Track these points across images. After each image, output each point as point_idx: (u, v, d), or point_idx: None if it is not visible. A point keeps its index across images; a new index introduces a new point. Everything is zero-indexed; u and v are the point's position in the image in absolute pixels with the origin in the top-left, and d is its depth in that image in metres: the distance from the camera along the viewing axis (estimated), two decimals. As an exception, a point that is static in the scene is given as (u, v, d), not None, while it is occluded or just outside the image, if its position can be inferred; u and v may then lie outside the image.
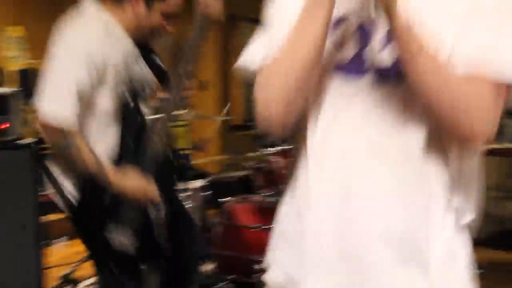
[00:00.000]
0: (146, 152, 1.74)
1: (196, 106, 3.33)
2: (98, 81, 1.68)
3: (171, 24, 1.81)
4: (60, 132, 1.65)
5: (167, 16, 1.79)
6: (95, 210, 1.75)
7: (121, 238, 1.73)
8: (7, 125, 2.24)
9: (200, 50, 1.75)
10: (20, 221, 2.19)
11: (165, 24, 1.80)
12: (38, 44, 6.62)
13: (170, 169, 1.85)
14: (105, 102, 1.72)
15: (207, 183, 3.16)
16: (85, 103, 1.68)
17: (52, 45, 1.68)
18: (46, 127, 1.66)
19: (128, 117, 1.75)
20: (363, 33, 0.91)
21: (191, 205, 2.91)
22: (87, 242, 1.80)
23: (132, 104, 1.75)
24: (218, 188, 3.42)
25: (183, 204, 2.05)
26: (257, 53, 1.02)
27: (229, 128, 5.81)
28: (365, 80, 0.91)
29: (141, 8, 1.75)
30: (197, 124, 4.63)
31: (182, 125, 3.66)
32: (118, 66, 1.72)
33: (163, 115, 1.76)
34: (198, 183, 3.09)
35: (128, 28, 1.77)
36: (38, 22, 6.92)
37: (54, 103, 1.65)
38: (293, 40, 0.89)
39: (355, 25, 0.91)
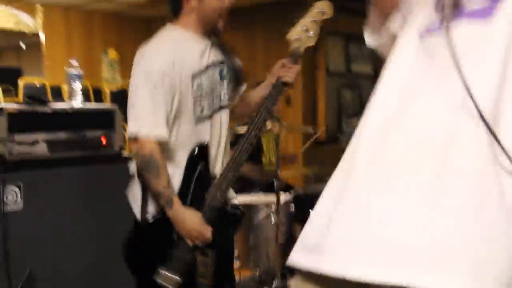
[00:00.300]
0: (205, 200, 1.80)
1: (283, 120, 3.37)
2: (173, 97, 1.76)
3: None
4: (144, 148, 1.73)
5: None
6: (153, 244, 1.81)
7: (166, 280, 1.78)
8: (110, 139, 2.40)
9: (274, 109, 1.86)
10: (121, 233, 2.33)
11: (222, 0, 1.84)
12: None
13: (225, 220, 1.86)
14: (183, 124, 1.80)
15: (293, 196, 3.17)
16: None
17: (133, 68, 1.80)
18: (137, 142, 1.75)
19: (192, 164, 1.82)
20: None
21: (276, 219, 2.94)
22: (136, 270, 1.86)
23: (196, 152, 1.82)
24: (304, 201, 3.42)
25: (231, 257, 2.05)
26: None
27: (315, 142, 5.80)
28: (491, 21, 0.90)
29: (195, 1, 1.81)
30: (284, 137, 4.67)
31: (270, 139, 3.72)
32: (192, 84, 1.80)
33: (230, 167, 1.81)
34: (284, 196, 3.11)
35: (196, 26, 1.84)
36: (134, 46, 7.35)
37: (140, 121, 1.75)
38: None
39: None
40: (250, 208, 3.02)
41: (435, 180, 0.84)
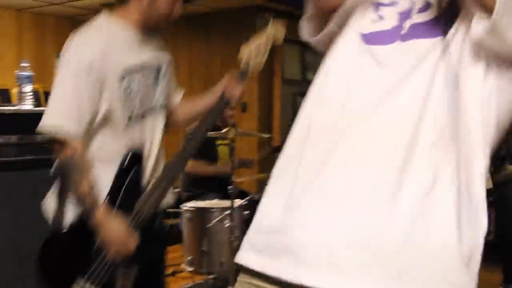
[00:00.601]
0: (133, 210, 1.70)
1: (238, 126, 3.39)
2: (100, 94, 1.66)
3: (179, 5, 1.77)
4: (66, 147, 1.62)
5: None
6: (74, 253, 1.70)
7: None
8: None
9: (213, 124, 1.85)
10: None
11: (173, 7, 1.76)
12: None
13: (151, 235, 1.76)
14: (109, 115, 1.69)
15: (247, 202, 3.19)
16: (90, 121, 1.66)
17: (59, 59, 1.68)
18: (54, 141, 1.64)
19: (124, 170, 1.72)
20: (408, 11, 0.96)
21: (230, 224, 2.95)
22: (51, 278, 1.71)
23: (130, 157, 1.72)
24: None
25: (160, 271, 1.95)
26: None
27: (270, 148, 5.84)
28: (394, 46, 0.96)
29: (145, 0, 1.72)
30: (239, 144, 4.69)
31: (225, 144, 3.73)
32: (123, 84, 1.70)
33: (163, 179, 1.74)
34: (238, 202, 3.12)
35: (137, 24, 1.76)
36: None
37: (60, 115, 1.64)
38: None
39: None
40: (203, 212, 3.02)
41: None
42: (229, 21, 6.26)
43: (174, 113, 1.98)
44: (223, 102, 1.86)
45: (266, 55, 1.88)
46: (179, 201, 3.19)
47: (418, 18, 0.97)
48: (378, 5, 1.02)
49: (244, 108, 6.09)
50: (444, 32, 0.93)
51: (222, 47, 6.30)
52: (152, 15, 1.75)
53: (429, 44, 0.94)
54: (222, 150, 3.76)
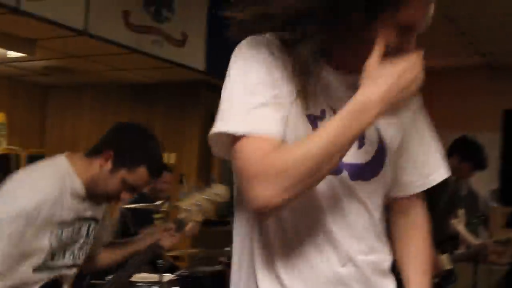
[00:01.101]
0: None
1: (174, 198, 3.36)
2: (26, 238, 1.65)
3: (127, 195, 1.81)
4: None
5: (127, 186, 1.79)
6: None
7: None
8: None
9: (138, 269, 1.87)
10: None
11: (121, 192, 1.80)
12: (25, 131, 6.64)
13: None
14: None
15: (177, 277, 3.11)
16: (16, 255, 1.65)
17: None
18: None
19: None
20: None
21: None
22: None
23: None
24: (189, 282, 3.36)
25: None
26: (241, 119, 0.99)
27: (205, 223, 5.78)
28: (340, 178, 1.00)
29: (107, 168, 1.76)
30: (174, 215, 4.62)
31: (160, 218, 3.67)
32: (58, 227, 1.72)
33: None
34: (167, 277, 3.04)
35: (85, 181, 1.78)
36: (27, 112, 7.02)
37: None
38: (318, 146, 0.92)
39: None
40: (130, 287, 2.90)
41: None
42: (172, 93, 6.34)
43: (97, 259, 1.99)
44: (156, 246, 1.88)
45: (206, 213, 1.91)
46: (105, 273, 3.07)
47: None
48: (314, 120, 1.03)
49: (181, 181, 6.05)
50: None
51: (164, 119, 6.34)
52: (100, 186, 1.78)
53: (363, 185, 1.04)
54: (157, 222, 3.69)
